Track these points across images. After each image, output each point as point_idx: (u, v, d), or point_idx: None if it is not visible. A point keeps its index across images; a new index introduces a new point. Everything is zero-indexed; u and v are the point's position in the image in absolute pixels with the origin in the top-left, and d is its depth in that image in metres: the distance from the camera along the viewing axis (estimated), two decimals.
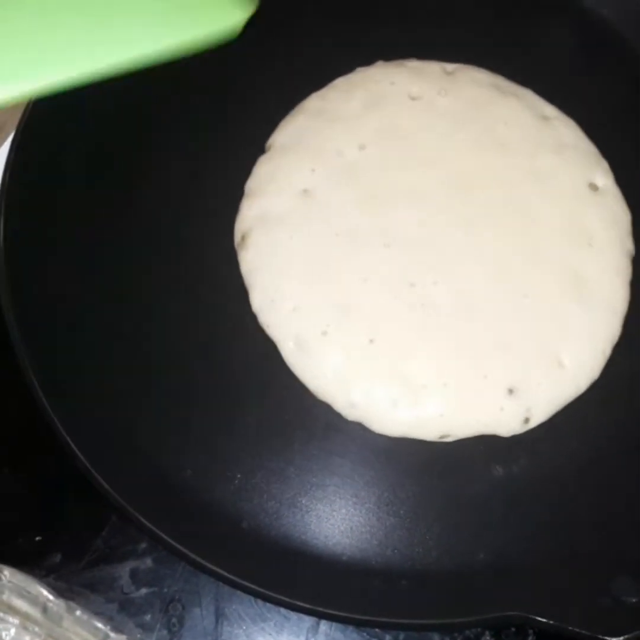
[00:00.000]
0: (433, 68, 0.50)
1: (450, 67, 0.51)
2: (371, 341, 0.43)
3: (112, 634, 0.37)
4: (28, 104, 0.45)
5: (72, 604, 0.37)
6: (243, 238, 0.46)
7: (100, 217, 0.46)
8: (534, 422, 0.43)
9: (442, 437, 0.43)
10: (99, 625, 0.37)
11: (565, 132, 0.49)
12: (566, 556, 0.41)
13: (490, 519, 0.42)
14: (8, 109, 0.36)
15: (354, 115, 0.48)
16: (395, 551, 0.41)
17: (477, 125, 0.48)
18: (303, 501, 0.41)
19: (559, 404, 0.44)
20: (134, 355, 0.44)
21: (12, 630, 0.35)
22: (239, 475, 0.42)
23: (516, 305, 0.44)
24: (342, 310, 0.43)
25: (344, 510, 0.41)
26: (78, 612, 0.37)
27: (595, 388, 0.44)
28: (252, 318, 0.45)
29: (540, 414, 0.43)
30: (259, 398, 0.44)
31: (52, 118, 0.45)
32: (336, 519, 0.41)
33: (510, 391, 0.43)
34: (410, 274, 0.44)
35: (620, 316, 0.45)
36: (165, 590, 0.39)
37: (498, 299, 0.44)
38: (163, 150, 0.48)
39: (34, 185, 0.45)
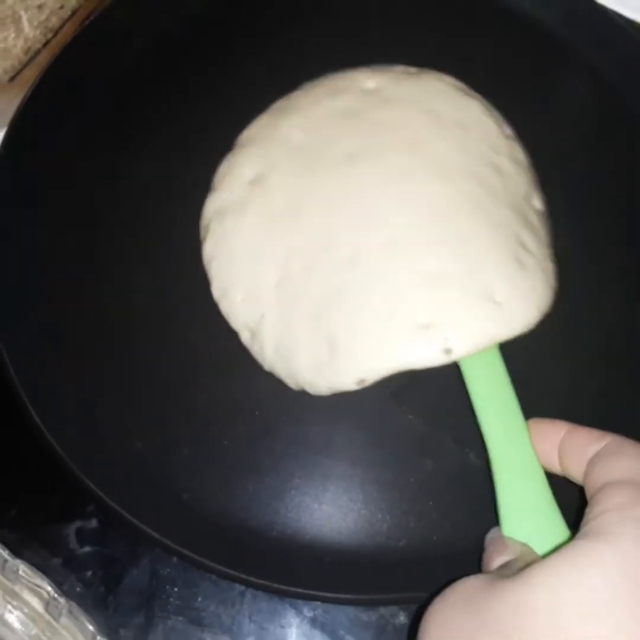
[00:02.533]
0: (396, 68, 0.52)
1: (412, 69, 0.53)
2: (316, 318, 0.44)
3: (99, 637, 0.40)
4: None
5: (72, 604, 0.41)
6: (205, 232, 0.49)
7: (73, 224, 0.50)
8: (456, 355, 0.42)
9: (359, 382, 0.43)
10: (89, 627, 0.40)
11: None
12: None
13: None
14: None
15: (310, 107, 0.50)
16: (327, 528, 0.44)
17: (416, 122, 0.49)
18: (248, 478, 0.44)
19: (483, 342, 0.42)
20: (98, 337, 0.48)
21: (20, 619, 0.39)
22: (185, 451, 0.45)
23: (446, 239, 0.44)
24: (278, 290, 0.45)
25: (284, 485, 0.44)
26: (68, 613, 0.40)
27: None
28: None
29: (462, 347, 0.42)
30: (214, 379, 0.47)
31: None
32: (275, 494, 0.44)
33: (429, 326, 0.42)
34: (348, 240, 0.45)
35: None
36: (107, 550, 0.43)
37: (427, 231, 0.45)
38: (142, 150, 0.52)
39: None
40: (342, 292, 0.44)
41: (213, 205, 0.49)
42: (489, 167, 0.47)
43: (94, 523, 0.43)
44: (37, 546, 0.42)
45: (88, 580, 0.42)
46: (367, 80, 0.51)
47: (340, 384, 0.43)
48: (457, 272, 0.44)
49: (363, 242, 0.45)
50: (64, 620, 0.39)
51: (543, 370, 0.46)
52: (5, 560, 0.40)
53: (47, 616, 0.39)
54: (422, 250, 0.44)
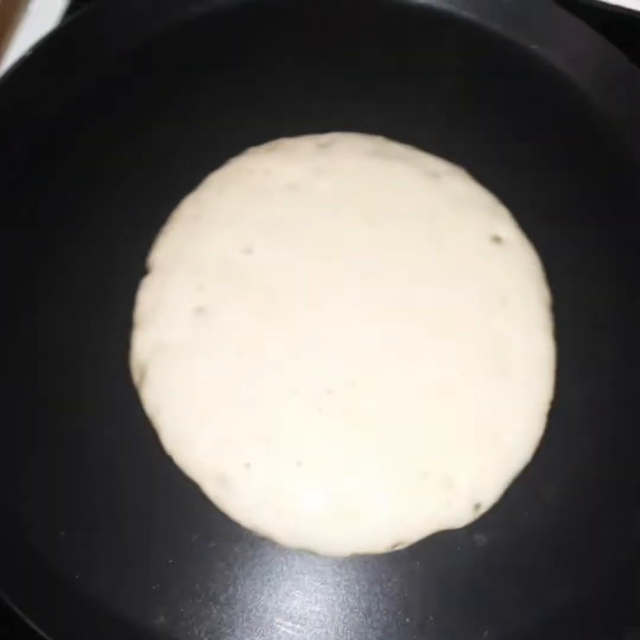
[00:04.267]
0: (306, 144, 0.47)
1: (324, 138, 0.48)
2: (299, 464, 0.40)
3: None
4: None
5: None
6: (141, 375, 0.42)
7: None
8: (485, 507, 0.41)
9: (395, 546, 0.40)
10: None
11: (457, 186, 0.47)
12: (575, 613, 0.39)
13: (482, 595, 0.40)
14: None
15: (232, 216, 0.44)
16: None
17: (364, 201, 0.45)
18: None
19: (506, 481, 0.41)
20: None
21: None
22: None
23: (441, 391, 0.41)
24: (262, 438, 0.40)
25: None
26: None
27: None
28: (167, 461, 0.41)
29: (489, 497, 0.41)
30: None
31: None
32: None
33: (454, 482, 0.40)
34: (326, 380, 0.41)
35: (550, 374, 0.43)
36: None
37: (421, 388, 0.41)
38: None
39: None
40: (345, 436, 0.40)
41: (146, 342, 0.42)
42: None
43: None
44: None
45: None
46: (287, 172, 0.46)
47: (372, 547, 0.39)
48: (462, 420, 0.41)
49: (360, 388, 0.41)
50: None
51: None
52: None
53: None
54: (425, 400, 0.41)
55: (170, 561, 0.39)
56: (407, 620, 0.40)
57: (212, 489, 0.40)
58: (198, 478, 0.40)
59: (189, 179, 0.47)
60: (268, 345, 0.42)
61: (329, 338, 0.42)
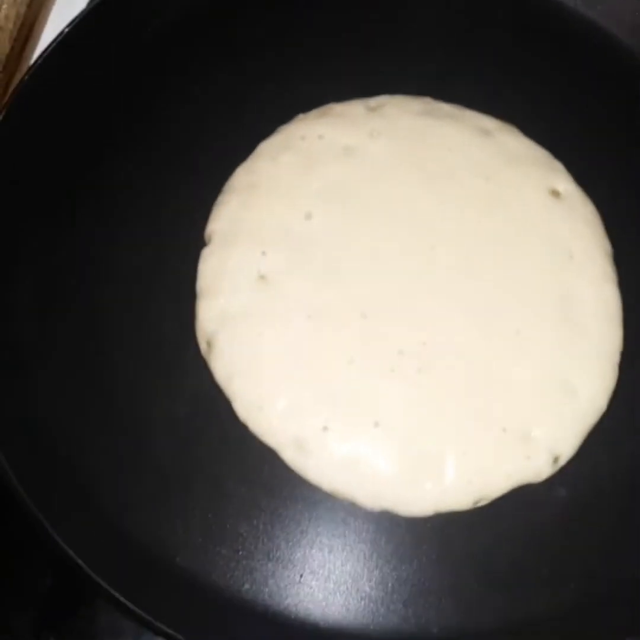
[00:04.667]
0: (356, 108, 0.47)
1: (373, 102, 0.47)
2: (376, 424, 0.39)
3: None
4: None
5: None
6: (209, 345, 0.42)
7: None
8: (564, 459, 0.41)
9: (476, 503, 0.40)
10: None
11: (510, 143, 0.46)
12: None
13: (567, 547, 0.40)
14: None
15: (289, 184, 0.44)
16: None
17: (420, 161, 0.45)
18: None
19: (583, 432, 0.41)
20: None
21: None
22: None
23: (513, 345, 0.41)
24: (337, 399, 0.40)
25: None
26: None
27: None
28: (241, 429, 0.41)
29: (567, 449, 0.41)
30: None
31: None
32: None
33: (532, 436, 0.40)
34: (396, 341, 0.41)
35: (619, 324, 0.43)
36: None
37: (492, 343, 0.41)
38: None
39: None
40: (420, 396, 0.40)
41: (211, 312, 0.42)
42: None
43: None
44: None
45: None
46: (341, 136, 0.45)
47: (455, 504, 0.39)
48: (536, 373, 0.41)
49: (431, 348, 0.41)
50: None
51: None
52: None
53: None
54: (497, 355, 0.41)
55: (253, 525, 0.39)
56: (491, 576, 0.39)
57: (289, 455, 0.40)
58: (275, 444, 0.40)
59: (239, 150, 0.46)
60: (335, 309, 0.41)
61: (396, 300, 0.42)
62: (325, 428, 0.39)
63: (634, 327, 0.43)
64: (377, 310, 0.41)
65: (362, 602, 0.39)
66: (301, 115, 0.47)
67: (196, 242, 0.44)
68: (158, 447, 0.41)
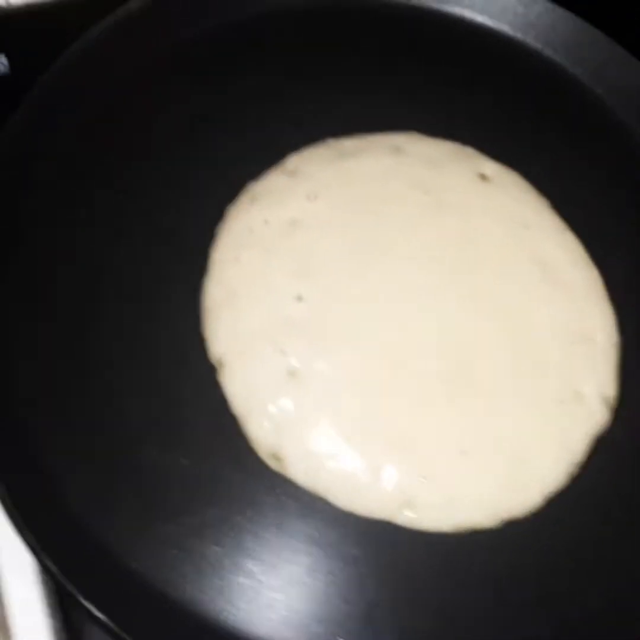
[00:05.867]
0: (277, 179, 0.47)
1: (288, 165, 0.48)
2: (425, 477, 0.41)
3: None
4: None
5: None
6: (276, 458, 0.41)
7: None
8: (614, 398, 0.44)
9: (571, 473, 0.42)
10: None
11: (422, 149, 0.49)
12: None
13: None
14: None
15: (265, 277, 0.44)
16: None
17: (363, 199, 0.47)
18: None
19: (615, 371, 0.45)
20: None
21: None
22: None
23: (513, 326, 0.45)
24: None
25: None
26: None
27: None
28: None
29: (611, 389, 0.44)
30: None
31: None
32: None
33: (583, 393, 0.44)
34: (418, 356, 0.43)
35: (588, 262, 0.47)
36: None
37: (503, 337, 0.45)
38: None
39: None
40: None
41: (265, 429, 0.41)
42: None
43: None
44: None
45: None
46: None
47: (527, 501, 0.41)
48: None
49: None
50: None
51: None
52: None
53: None
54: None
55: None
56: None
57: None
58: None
59: None
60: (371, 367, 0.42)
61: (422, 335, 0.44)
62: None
63: None
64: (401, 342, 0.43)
65: None
66: (231, 207, 0.46)
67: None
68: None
